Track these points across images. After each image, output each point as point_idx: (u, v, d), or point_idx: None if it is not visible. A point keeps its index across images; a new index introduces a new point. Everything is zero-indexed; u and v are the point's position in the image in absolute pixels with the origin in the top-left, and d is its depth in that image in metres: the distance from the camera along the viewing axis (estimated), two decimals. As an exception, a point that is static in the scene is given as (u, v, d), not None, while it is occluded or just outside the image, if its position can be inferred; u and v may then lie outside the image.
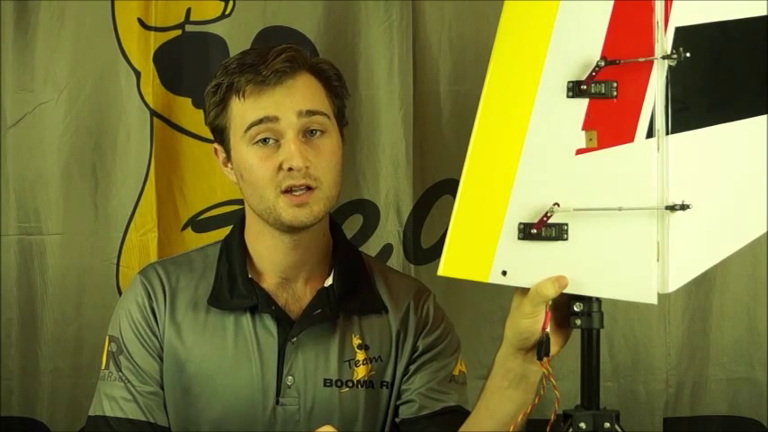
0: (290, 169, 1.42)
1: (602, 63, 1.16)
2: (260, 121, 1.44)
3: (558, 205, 1.18)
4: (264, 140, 1.45)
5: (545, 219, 1.18)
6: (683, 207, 1.15)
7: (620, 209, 1.17)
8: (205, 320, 1.51)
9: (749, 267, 2.10)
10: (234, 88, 1.46)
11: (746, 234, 1.19)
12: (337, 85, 1.52)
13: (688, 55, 1.15)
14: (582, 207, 1.18)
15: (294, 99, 1.45)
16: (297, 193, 1.43)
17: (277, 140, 1.44)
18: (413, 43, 2.08)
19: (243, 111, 1.46)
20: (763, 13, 1.18)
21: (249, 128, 1.45)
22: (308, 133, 1.45)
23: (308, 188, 1.44)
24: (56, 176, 2.04)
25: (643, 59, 1.17)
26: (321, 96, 1.48)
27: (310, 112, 1.45)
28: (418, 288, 1.61)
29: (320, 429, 1.26)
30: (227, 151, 1.51)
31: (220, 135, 1.51)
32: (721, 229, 1.19)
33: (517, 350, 1.25)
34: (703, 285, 2.09)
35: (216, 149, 1.54)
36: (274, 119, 1.44)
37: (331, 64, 1.53)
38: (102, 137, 2.05)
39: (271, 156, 1.44)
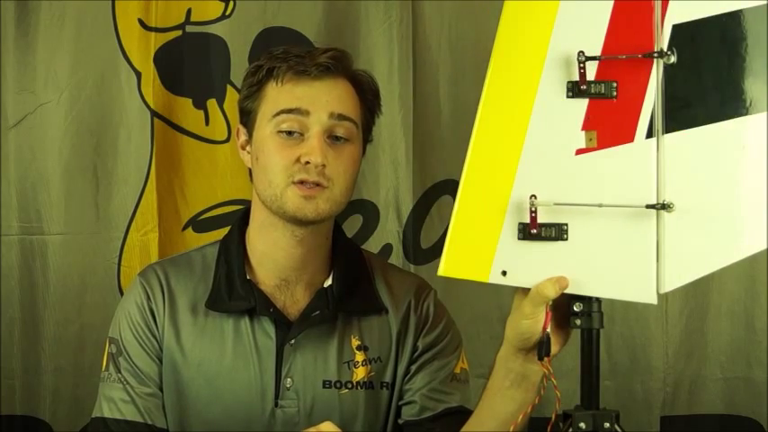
0: (306, 163, 1.42)
1: (582, 58, 1.16)
2: (290, 111, 1.44)
3: (536, 197, 1.17)
4: (289, 133, 1.44)
5: (533, 215, 1.18)
6: (665, 206, 1.15)
7: (599, 205, 1.17)
8: (204, 323, 1.50)
9: (747, 267, 2.11)
10: (274, 74, 1.46)
11: (747, 245, 1.18)
12: (372, 100, 1.52)
13: (675, 53, 1.15)
14: (564, 202, 1.18)
15: (330, 99, 1.45)
16: (307, 186, 1.43)
17: (302, 134, 1.44)
18: (413, 43, 2.09)
19: (277, 95, 1.45)
20: (762, 2, 1.17)
21: (278, 114, 1.44)
22: (332, 137, 1.45)
23: (319, 185, 1.43)
24: (57, 177, 2.05)
25: (625, 56, 1.16)
26: (355, 105, 1.48)
27: (341, 116, 1.45)
28: (419, 285, 1.59)
29: (320, 426, 1.26)
30: (250, 133, 1.50)
31: (247, 116, 1.50)
32: (722, 233, 1.18)
33: (518, 350, 1.25)
34: (701, 285, 2.09)
35: (238, 130, 1.54)
36: (305, 112, 1.43)
37: (372, 78, 1.53)
38: (102, 137, 2.06)
39: (292, 147, 1.43)
